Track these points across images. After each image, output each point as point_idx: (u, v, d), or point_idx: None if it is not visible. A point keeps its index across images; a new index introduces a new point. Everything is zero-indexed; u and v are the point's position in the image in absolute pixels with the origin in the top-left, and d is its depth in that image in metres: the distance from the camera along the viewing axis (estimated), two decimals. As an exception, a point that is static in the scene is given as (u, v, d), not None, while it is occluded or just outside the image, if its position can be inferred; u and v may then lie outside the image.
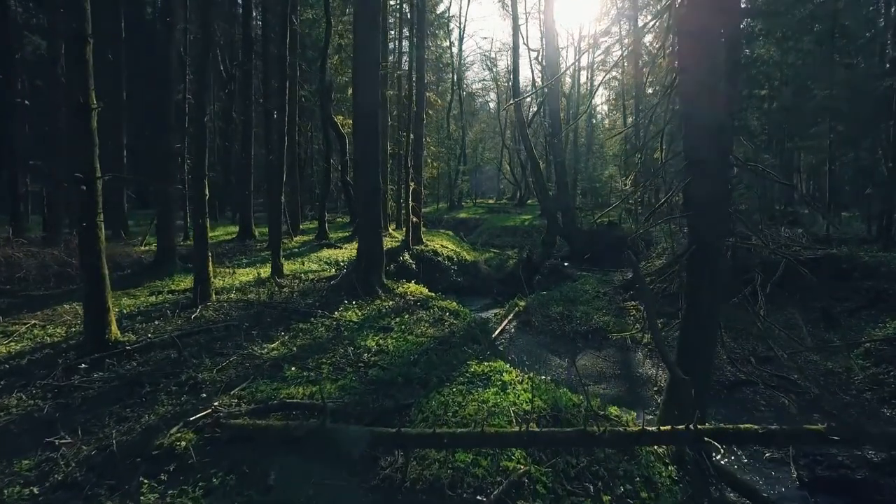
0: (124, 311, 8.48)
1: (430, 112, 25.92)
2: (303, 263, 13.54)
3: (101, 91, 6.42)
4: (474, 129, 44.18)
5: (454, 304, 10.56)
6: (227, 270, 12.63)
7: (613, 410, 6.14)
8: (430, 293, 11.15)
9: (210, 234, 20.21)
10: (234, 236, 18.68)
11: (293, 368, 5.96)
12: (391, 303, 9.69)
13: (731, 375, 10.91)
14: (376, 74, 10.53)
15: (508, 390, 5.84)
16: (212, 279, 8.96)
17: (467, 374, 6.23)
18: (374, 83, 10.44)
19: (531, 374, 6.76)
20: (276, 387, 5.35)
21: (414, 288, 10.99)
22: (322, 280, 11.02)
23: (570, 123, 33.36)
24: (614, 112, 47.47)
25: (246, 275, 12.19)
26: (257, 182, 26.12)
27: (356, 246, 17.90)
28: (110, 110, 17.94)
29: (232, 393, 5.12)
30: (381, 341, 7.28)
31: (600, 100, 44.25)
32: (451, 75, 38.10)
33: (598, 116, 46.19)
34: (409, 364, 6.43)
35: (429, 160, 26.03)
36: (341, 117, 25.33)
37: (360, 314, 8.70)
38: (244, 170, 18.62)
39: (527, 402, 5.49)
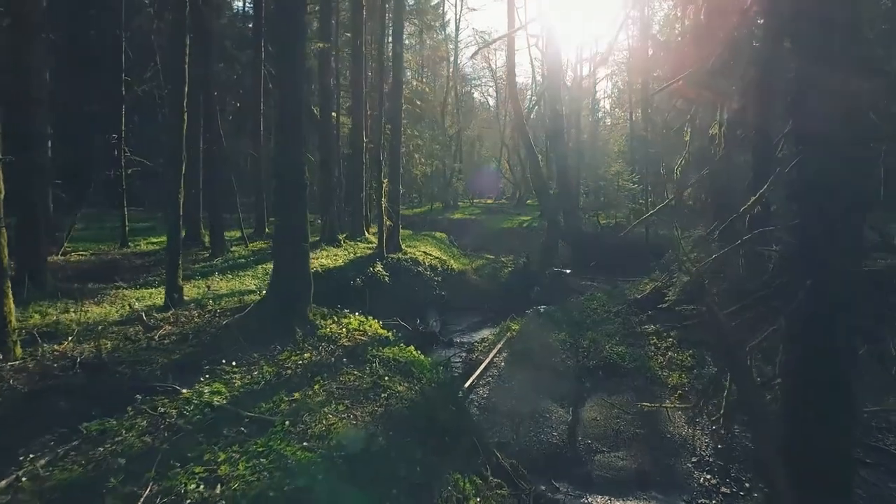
0: None
1: (419, 102, 22.21)
2: (228, 281, 9.95)
3: None
4: (472, 126, 40.26)
5: (411, 349, 6.86)
6: (126, 293, 9.04)
7: None
8: (380, 330, 7.46)
9: (158, 240, 16.69)
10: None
11: None
12: (307, 355, 5.99)
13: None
14: (299, 26, 6.87)
15: None
16: (11, 322, 5.29)
17: None
18: (295, 36, 6.75)
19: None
20: None
21: (355, 323, 7.29)
22: (229, 312, 7.36)
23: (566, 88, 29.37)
24: (617, 110, 43.46)
25: (142, 300, 8.61)
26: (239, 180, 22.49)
27: (322, 254, 14.35)
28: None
29: None
30: (225, 468, 3.59)
31: (602, 94, 40.31)
32: (446, 69, 34.26)
33: (600, 113, 42.18)
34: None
35: (415, 156, 22.30)
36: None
37: (239, 384, 5.02)
38: (194, 163, 14.95)
39: None
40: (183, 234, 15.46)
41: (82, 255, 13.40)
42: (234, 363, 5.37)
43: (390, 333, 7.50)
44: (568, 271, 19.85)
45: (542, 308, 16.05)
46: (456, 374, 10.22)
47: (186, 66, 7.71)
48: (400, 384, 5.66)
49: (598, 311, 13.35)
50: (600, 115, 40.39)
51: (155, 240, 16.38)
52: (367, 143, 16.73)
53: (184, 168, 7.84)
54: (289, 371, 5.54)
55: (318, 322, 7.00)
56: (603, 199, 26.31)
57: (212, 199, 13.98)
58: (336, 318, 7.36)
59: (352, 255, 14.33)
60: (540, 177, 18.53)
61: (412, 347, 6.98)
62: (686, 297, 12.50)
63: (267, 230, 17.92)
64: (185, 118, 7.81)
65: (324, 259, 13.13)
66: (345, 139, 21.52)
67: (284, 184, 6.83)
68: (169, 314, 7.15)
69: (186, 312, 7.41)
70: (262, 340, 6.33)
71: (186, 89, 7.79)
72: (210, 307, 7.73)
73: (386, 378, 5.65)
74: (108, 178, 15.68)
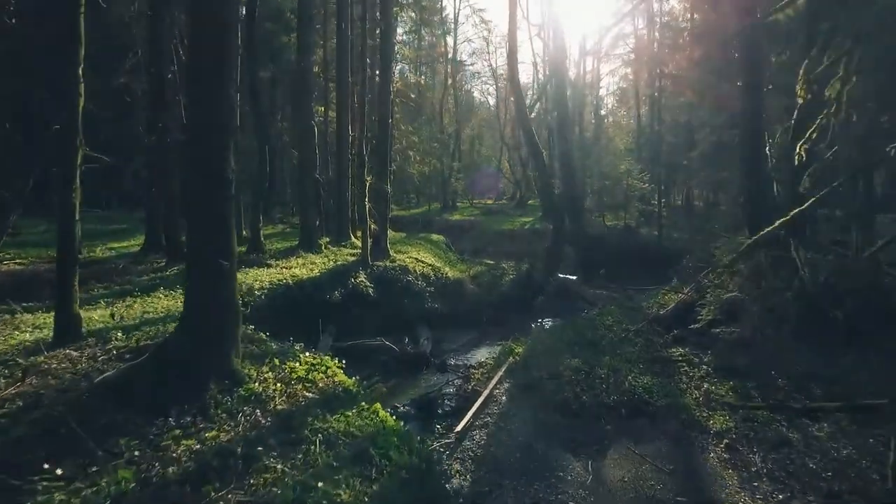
0: None
1: (414, 96, 20.00)
2: (170, 299, 7.80)
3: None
4: (471, 125, 37.93)
5: (377, 408, 4.69)
6: (23, 319, 6.89)
7: None
8: (340, 376, 5.29)
9: (121, 244, 14.57)
10: (139, 247, 12.93)
11: None
12: (210, 434, 3.82)
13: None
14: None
15: None
16: None
17: None
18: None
19: None
20: None
21: (302, 369, 5.10)
22: (128, 355, 5.19)
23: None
24: (620, 108, 41.08)
25: (40, 327, 6.45)
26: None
27: (296, 262, 12.16)
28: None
29: None
30: None
31: (606, 91, 38.04)
32: (445, 67, 31.98)
33: (603, 111, 39.85)
34: None
35: (411, 153, 20.08)
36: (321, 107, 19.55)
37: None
38: (162, 157, 12.68)
39: None
40: (143, 239, 13.48)
41: (21, 263, 11.28)
42: (61, 467, 3.17)
43: (353, 381, 5.32)
44: (574, 278, 17.66)
45: (547, 323, 13.87)
46: (444, 413, 8.07)
47: (81, 19, 5.53)
48: (345, 487, 3.47)
49: (613, 328, 11.06)
50: (603, 112, 38.12)
51: (116, 245, 14.28)
52: (353, 137, 14.54)
53: (80, 155, 5.67)
54: (165, 472, 3.36)
55: (246, 371, 4.81)
56: (606, 200, 24.09)
57: (169, 201, 11.82)
58: (277, 362, 5.17)
59: (332, 262, 12.15)
60: (544, 172, 16.34)
61: (378, 406, 4.79)
62: (725, 317, 10.15)
63: (244, 233, 15.73)
64: (82, 91, 5.63)
65: (297, 268, 10.95)
66: (334, 136, 19.39)
67: (196, 176, 4.64)
68: (42, 358, 4.98)
69: (75, 353, 5.24)
70: (153, 405, 4.16)
71: (83, 52, 5.61)
72: (113, 344, 5.56)
73: (322, 478, 3.46)
74: (93, 178, 13.45)
